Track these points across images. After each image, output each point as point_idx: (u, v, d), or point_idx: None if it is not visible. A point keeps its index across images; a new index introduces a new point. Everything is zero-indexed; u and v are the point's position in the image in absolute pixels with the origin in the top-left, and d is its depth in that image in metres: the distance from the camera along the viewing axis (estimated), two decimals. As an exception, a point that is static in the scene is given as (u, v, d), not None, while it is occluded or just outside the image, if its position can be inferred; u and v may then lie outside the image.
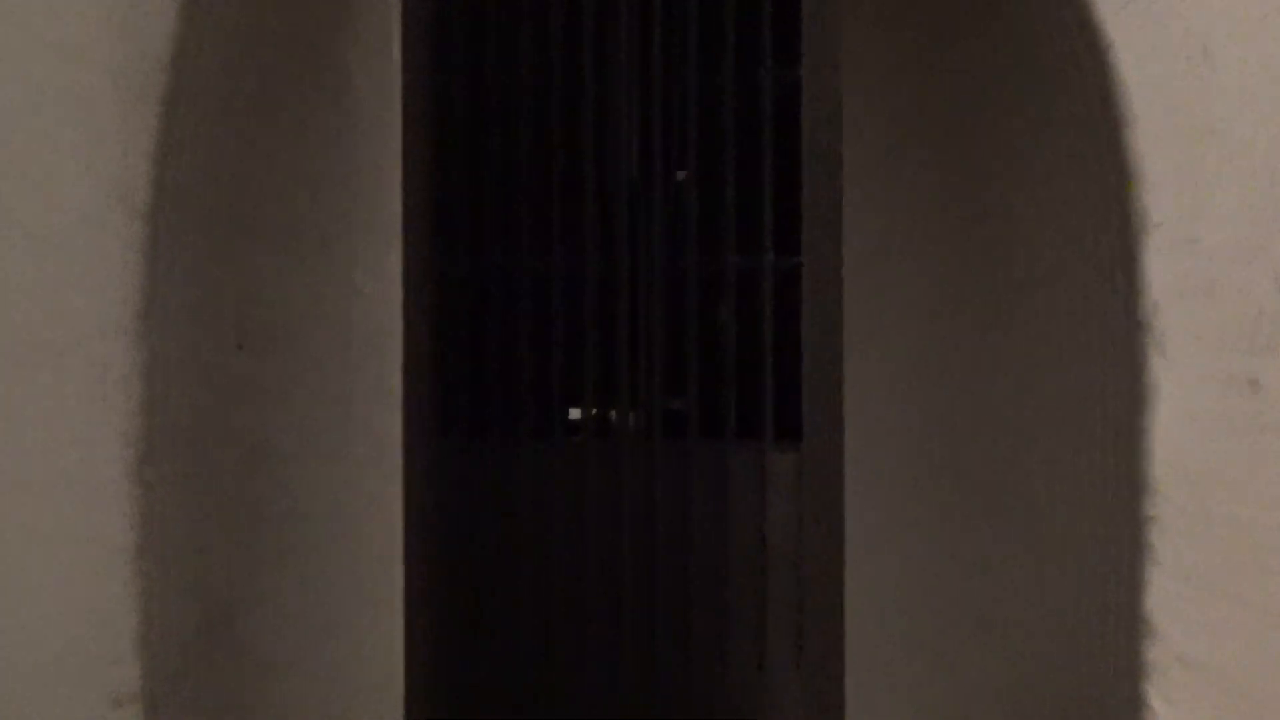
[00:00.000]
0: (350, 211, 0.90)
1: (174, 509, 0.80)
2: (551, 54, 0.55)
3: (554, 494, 0.63)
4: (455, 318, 0.69)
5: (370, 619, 0.89)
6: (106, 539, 0.75)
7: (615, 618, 0.58)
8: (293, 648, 0.91)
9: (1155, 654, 0.74)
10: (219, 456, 0.86)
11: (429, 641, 0.71)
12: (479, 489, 0.61)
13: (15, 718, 0.76)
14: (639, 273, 0.57)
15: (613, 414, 0.65)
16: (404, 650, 0.71)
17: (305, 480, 0.91)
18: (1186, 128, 0.74)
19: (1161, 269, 0.74)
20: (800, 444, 0.60)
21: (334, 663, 0.93)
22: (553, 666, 0.59)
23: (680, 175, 0.59)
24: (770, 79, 0.58)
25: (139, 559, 0.76)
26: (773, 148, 0.56)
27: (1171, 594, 0.74)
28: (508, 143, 0.56)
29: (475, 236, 0.62)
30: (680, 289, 0.63)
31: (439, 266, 0.64)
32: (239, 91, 0.83)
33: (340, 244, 0.90)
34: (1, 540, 0.76)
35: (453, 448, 0.61)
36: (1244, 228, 0.75)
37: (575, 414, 0.68)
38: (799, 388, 0.61)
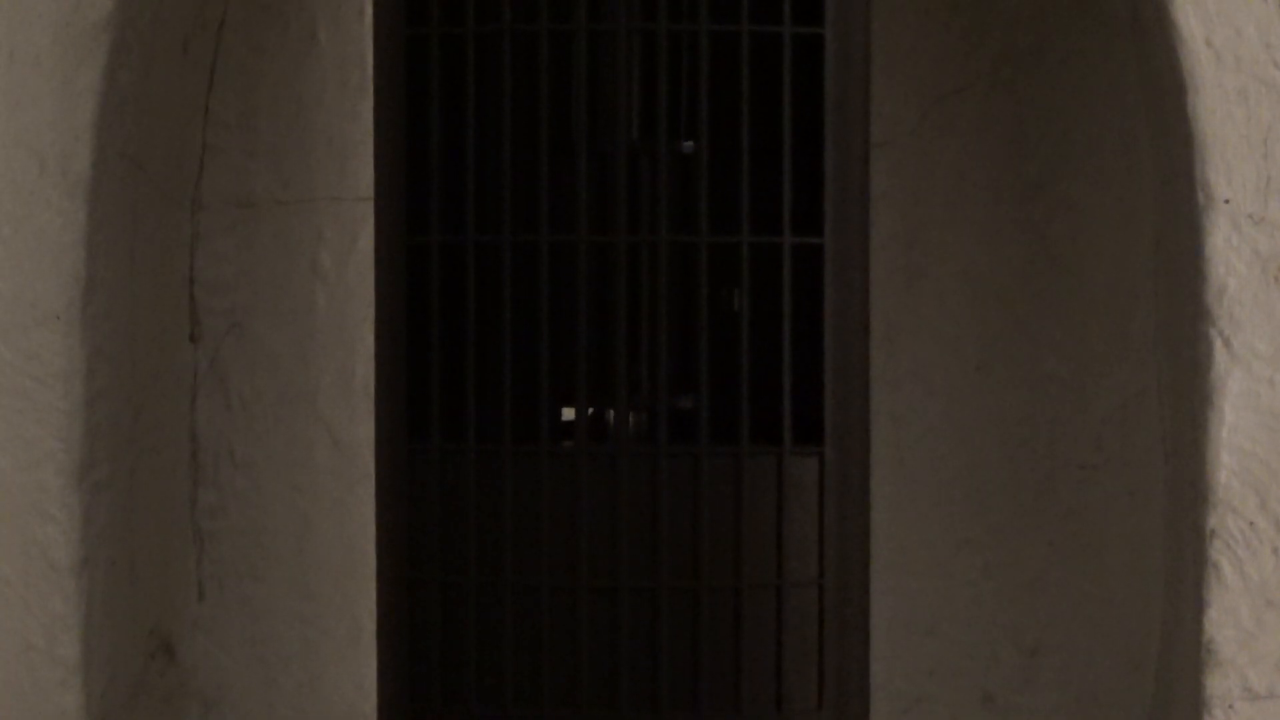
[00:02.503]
0: (314, 186, 0.91)
1: (116, 520, 0.81)
2: (536, 7, 0.58)
3: (542, 504, 0.66)
4: (428, 302, 0.71)
5: (332, 646, 0.91)
6: (46, 554, 0.77)
7: (613, 648, 0.60)
8: (243, 679, 0.92)
9: (1217, 684, 0.76)
10: (166, 461, 0.87)
11: (403, 673, 0.74)
12: (457, 498, 0.64)
13: None
14: (640, 252, 0.59)
15: (610, 414, 0.67)
16: (377, 680, 0.72)
17: (262, 488, 0.92)
18: (1255, 87, 0.75)
19: (1227, 250, 0.76)
20: (821, 447, 0.62)
21: (291, 695, 0.95)
22: (535, 689, 0.62)
23: (688, 145, 0.61)
24: (790, 35, 0.60)
25: (80, 576, 0.77)
26: (792, 113, 0.58)
27: (1236, 617, 0.76)
28: (490, 103, 0.58)
29: (453, 211, 0.64)
30: (688, 271, 0.64)
31: (412, 245, 0.66)
32: (189, 52, 0.85)
33: (303, 222, 0.91)
34: None
35: (427, 452, 0.64)
36: None
37: (569, 414, 0.70)
38: (820, 384, 0.63)
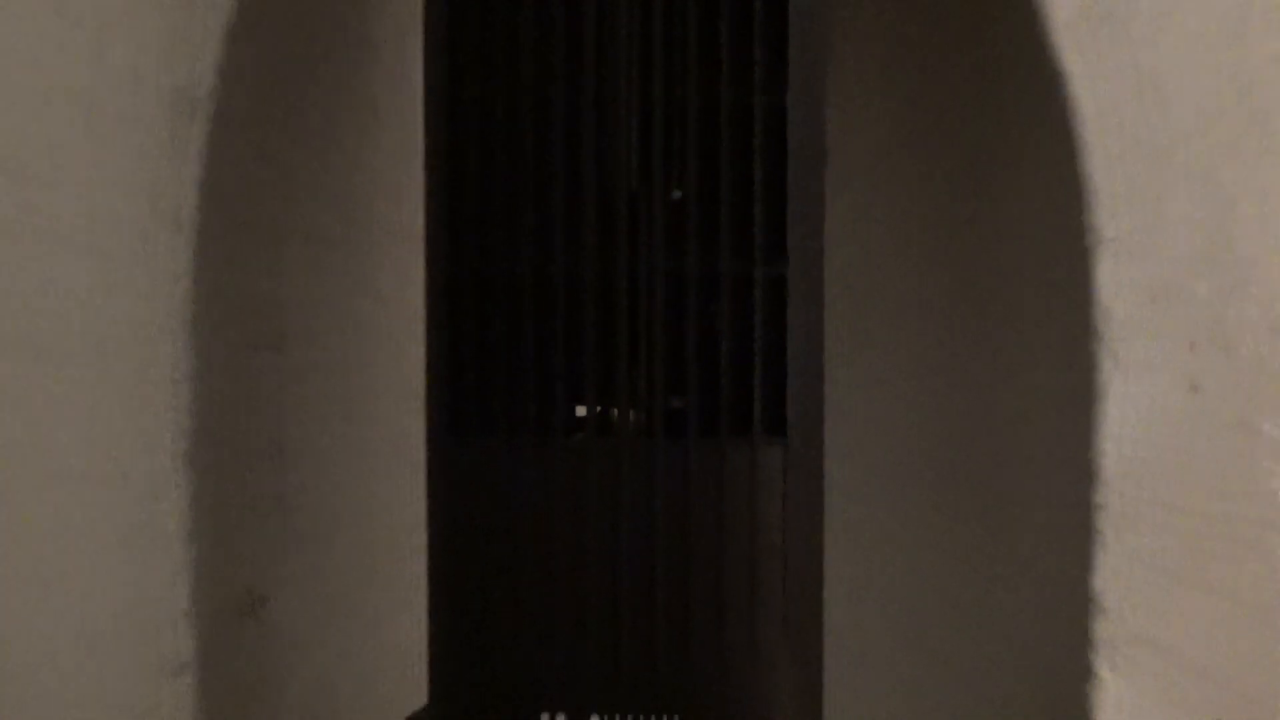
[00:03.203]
0: (374, 224, 0.93)
1: (215, 497, 0.83)
2: (556, 78, 0.59)
3: (557, 486, 0.67)
4: (466, 320, 0.73)
5: (389, 598, 0.93)
6: (159, 524, 0.79)
7: (612, 601, 0.62)
8: (318, 627, 0.94)
9: (1104, 630, 0.79)
10: (256, 449, 0.89)
11: (449, 619, 0.75)
12: (488, 481, 0.65)
13: (81, 683, 0.79)
14: (639, 279, 0.61)
15: (614, 412, 0.67)
16: (429, 627, 0.72)
17: (333, 471, 0.94)
18: (1137, 152, 0.78)
19: (1111, 280, 0.78)
20: (786, 438, 0.64)
21: (357, 637, 0.97)
22: (557, 640, 0.64)
23: (676, 195, 0.62)
24: (762, 105, 0.62)
25: (188, 542, 0.80)
26: (762, 167, 0.60)
27: (1118, 575, 0.78)
28: (516, 159, 0.61)
29: (485, 246, 0.66)
30: (678, 295, 0.66)
31: (453, 273, 0.67)
32: (274, 115, 0.86)
33: (365, 253, 0.94)
34: (65, 526, 0.78)
35: (465, 443, 0.64)
36: (1188, 244, 0.78)
37: (581, 411, 0.71)
38: (784, 387, 0.65)
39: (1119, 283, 0.79)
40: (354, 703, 0.97)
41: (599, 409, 0.69)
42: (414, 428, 0.73)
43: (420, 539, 0.73)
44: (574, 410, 0.70)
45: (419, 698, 0.76)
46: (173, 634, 0.81)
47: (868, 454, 0.97)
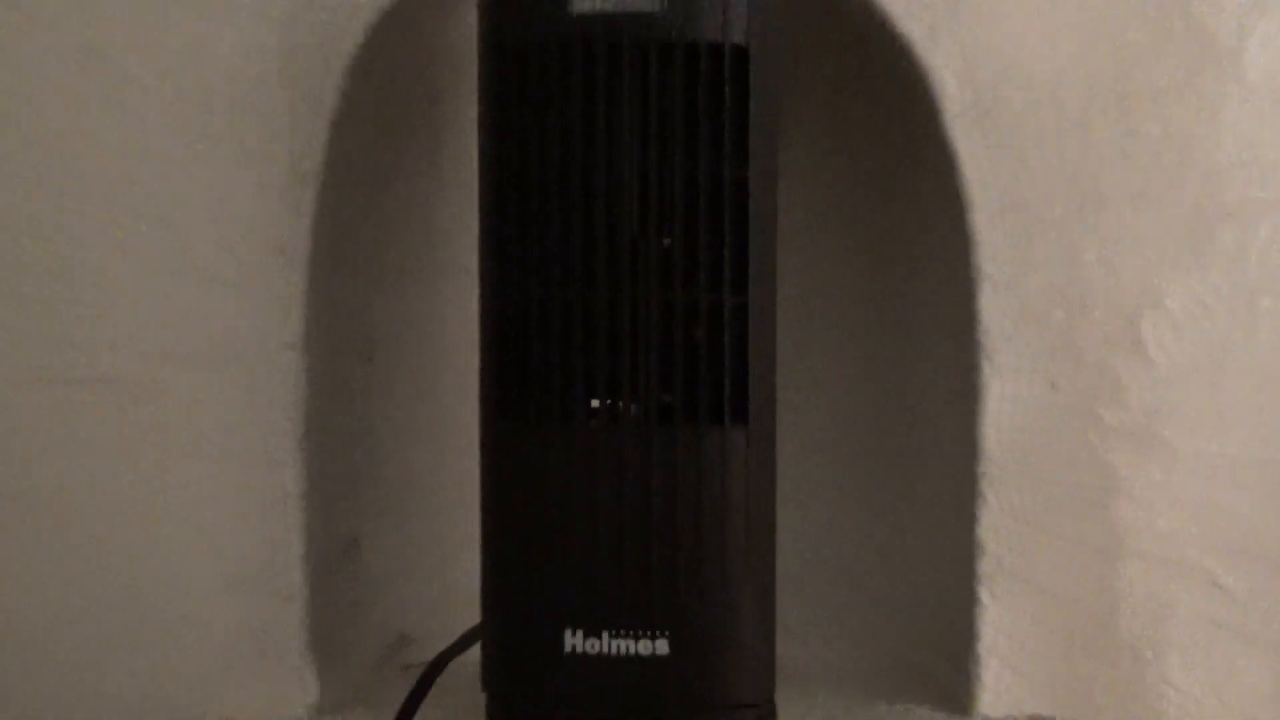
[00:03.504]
0: (441, 260, 0.93)
1: (322, 470, 0.83)
2: (576, 151, 0.60)
3: (576, 461, 0.65)
4: (510, 334, 0.72)
5: (457, 539, 0.92)
6: (281, 489, 0.80)
7: (619, 549, 0.62)
8: (398, 566, 0.94)
9: (985, 565, 0.79)
10: (351, 434, 0.89)
11: (496, 560, 0.74)
12: (527, 456, 0.64)
13: (222, 609, 0.81)
14: (638, 304, 0.61)
15: (620, 405, 0.66)
16: (481, 566, 0.71)
17: (409, 450, 0.95)
18: (1010, 212, 0.79)
19: (990, 306, 0.79)
20: (747, 425, 0.63)
21: (428, 576, 0.96)
22: (576, 575, 0.64)
23: (666, 242, 0.63)
24: (730, 176, 0.62)
25: (303, 503, 0.80)
26: (729, 222, 0.61)
27: (996, 526, 0.79)
28: (546, 211, 0.61)
29: (521, 279, 0.65)
30: (669, 316, 0.65)
31: (500, 298, 0.66)
32: (364, 172, 0.85)
33: (434, 283, 0.94)
34: (212, 491, 0.80)
35: (509, 427, 0.64)
36: (1047, 280, 0.79)
37: (595, 404, 0.69)
38: (747, 386, 0.65)
39: (996, 308, 0.79)
40: (424, 623, 0.96)
41: (609, 402, 0.69)
42: (470, 416, 0.71)
43: (475, 500, 0.72)
44: (590, 403, 0.69)
45: (474, 617, 0.74)
46: (287, 571, 0.81)
47: (808, 435, 0.95)
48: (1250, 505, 0.80)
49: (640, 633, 0.68)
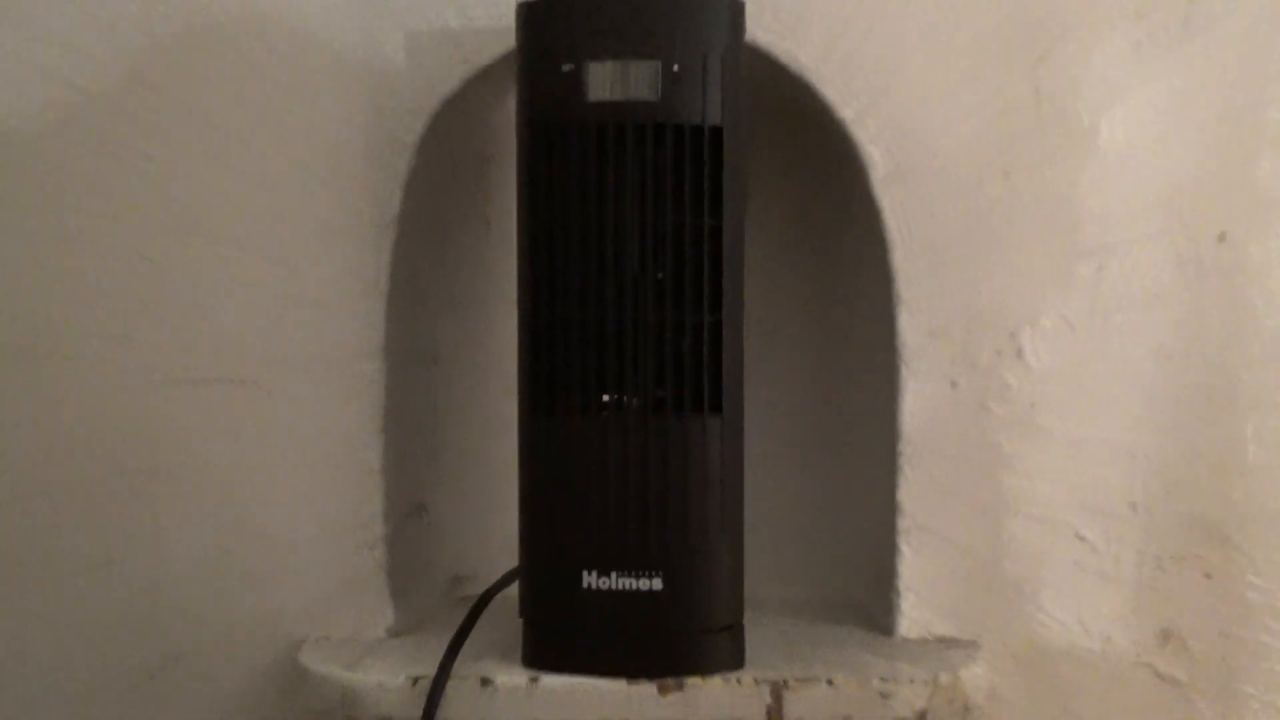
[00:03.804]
0: (487, 289, 0.93)
1: (398, 450, 0.83)
2: (591, 208, 0.60)
3: (592, 445, 0.64)
4: (541, 346, 0.71)
5: (498, 511, 0.91)
6: (366, 464, 0.81)
7: (624, 509, 0.63)
8: (458, 526, 0.94)
9: (903, 522, 0.80)
10: (419, 424, 0.88)
11: (530, 518, 0.72)
12: (555, 441, 0.64)
13: (319, 556, 0.82)
14: (639, 322, 0.62)
15: (624, 399, 0.66)
16: (519, 522, 0.71)
17: (465, 436, 0.94)
18: (922, 251, 0.80)
19: (906, 324, 0.80)
20: (721, 414, 0.63)
21: (481, 533, 0.95)
22: (592, 529, 0.64)
23: (660, 275, 0.63)
24: (708, 226, 0.62)
25: (382, 475, 0.81)
26: (707, 260, 0.61)
27: (912, 491, 0.80)
28: (569, 253, 0.61)
29: (552, 302, 0.64)
30: (663, 329, 0.65)
31: (534, 318, 0.66)
32: (430, 223, 0.85)
33: (483, 307, 0.93)
34: (311, 467, 0.81)
35: (541, 419, 0.64)
36: (951, 304, 0.80)
37: (605, 398, 0.68)
38: (721, 384, 0.65)
39: (911, 326, 0.80)
40: (474, 567, 0.96)
41: (616, 397, 0.69)
42: (511, 410, 0.71)
43: (514, 473, 0.73)
44: (602, 397, 0.68)
45: (513, 561, 0.74)
46: (370, 527, 0.82)
47: (769, 422, 0.93)
48: (1106, 475, 0.81)
49: (641, 572, 0.69)
